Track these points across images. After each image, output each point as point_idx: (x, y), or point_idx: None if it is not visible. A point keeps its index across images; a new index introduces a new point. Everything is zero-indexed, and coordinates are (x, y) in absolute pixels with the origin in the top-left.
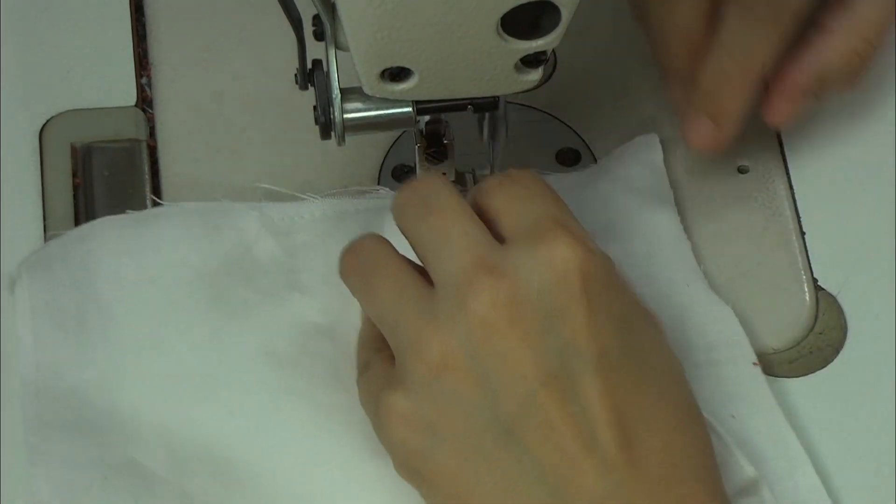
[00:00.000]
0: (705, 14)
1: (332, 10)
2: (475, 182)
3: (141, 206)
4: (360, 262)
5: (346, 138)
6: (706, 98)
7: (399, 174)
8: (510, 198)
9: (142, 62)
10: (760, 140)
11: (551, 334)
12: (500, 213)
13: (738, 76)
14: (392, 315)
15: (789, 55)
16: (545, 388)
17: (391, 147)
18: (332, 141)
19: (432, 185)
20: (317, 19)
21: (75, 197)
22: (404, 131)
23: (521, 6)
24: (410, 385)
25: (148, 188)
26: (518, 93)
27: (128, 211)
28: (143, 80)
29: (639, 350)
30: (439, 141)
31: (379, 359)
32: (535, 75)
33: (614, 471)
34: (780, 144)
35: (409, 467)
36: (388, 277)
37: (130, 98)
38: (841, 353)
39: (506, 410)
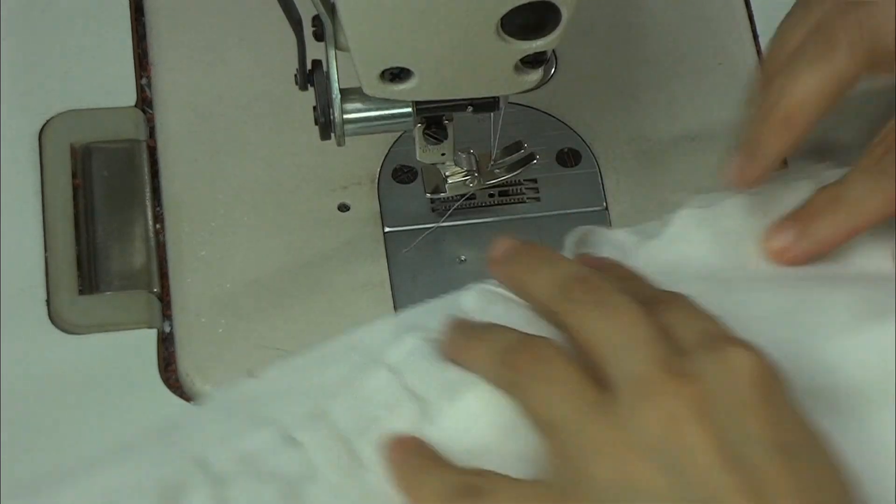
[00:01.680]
0: (831, 92)
1: (331, 10)
2: (476, 163)
3: (141, 207)
4: (533, 360)
5: (346, 138)
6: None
7: (399, 175)
8: (677, 314)
9: (142, 62)
10: None
11: (737, 428)
12: (668, 326)
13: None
14: (567, 418)
15: None
16: (731, 475)
17: (391, 147)
18: (332, 141)
19: (603, 282)
20: (317, 19)
21: (75, 198)
22: (404, 131)
23: (521, 6)
24: (594, 493)
25: (148, 189)
26: (518, 93)
27: None
28: (143, 81)
29: (819, 445)
30: (439, 121)
31: (504, 479)
32: (535, 75)
33: None
34: None
35: None
36: (562, 377)
37: (130, 98)
38: None
39: (699, 497)
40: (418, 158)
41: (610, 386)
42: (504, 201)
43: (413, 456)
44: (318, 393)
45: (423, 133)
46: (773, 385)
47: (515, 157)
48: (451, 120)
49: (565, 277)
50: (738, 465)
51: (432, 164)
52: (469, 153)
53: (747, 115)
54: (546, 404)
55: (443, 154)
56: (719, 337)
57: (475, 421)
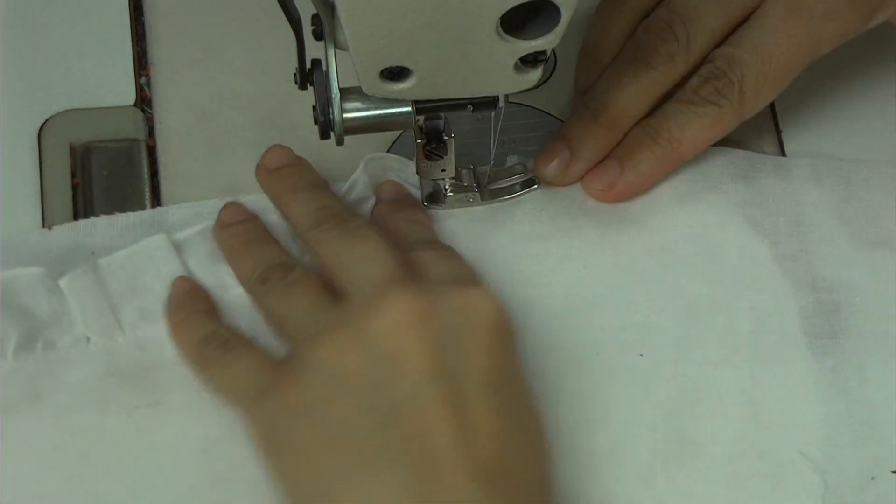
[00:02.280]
0: (652, 97)
1: (331, 9)
2: (475, 178)
3: (140, 206)
4: (284, 276)
5: (346, 138)
6: (626, 146)
7: None
8: (435, 259)
9: (141, 62)
10: (764, 148)
11: (453, 346)
12: (423, 268)
13: (664, 141)
14: (298, 314)
15: None
16: (437, 384)
17: (391, 147)
18: (332, 141)
19: (344, 216)
20: (316, 19)
21: (74, 197)
22: (404, 131)
23: (521, 5)
24: (301, 364)
25: (147, 188)
26: (518, 92)
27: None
28: (143, 80)
29: (519, 405)
30: (439, 137)
31: (245, 341)
32: (535, 75)
33: (485, 477)
34: (781, 145)
35: (272, 446)
36: (301, 288)
37: (129, 98)
38: None
39: (393, 396)
40: (418, 174)
41: (345, 296)
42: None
43: (190, 300)
44: (101, 252)
45: (424, 149)
46: (504, 335)
47: (516, 179)
48: (451, 136)
49: (321, 208)
50: (447, 380)
51: (433, 179)
52: (469, 168)
53: (574, 108)
54: (283, 306)
55: (443, 170)
56: (468, 281)
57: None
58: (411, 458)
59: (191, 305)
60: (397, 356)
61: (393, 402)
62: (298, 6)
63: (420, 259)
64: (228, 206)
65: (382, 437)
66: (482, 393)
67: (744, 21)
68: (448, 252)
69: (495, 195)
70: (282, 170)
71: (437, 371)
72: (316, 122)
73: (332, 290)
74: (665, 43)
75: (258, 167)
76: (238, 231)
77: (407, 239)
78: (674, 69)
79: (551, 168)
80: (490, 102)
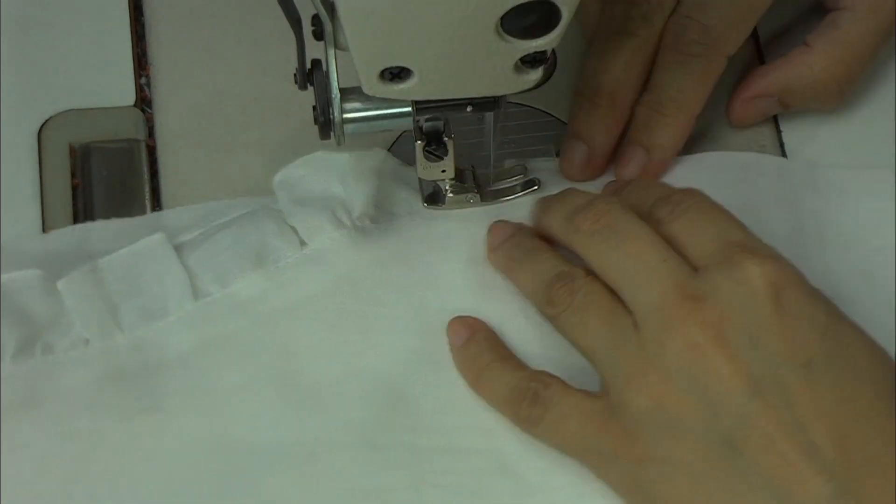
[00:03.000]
0: (641, 64)
1: (331, 9)
2: (475, 180)
3: (140, 206)
4: (570, 293)
5: (346, 138)
6: (639, 129)
7: None
8: (689, 223)
9: (141, 62)
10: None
11: (757, 349)
12: (681, 240)
13: (671, 109)
14: (604, 346)
15: (767, 65)
16: (757, 398)
17: (391, 147)
18: (332, 141)
19: (608, 207)
20: (316, 19)
21: (74, 197)
22: (404, 131)
23: (521, 6)
24: (631, 416)
25: (147, 188)
26: (518, 93)
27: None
28: (142, 80)
29: (845, 354)
30: (439, 138)
31: (556, 390)
32: (535, 75)
33: (836, 475)
34: (781, 145)
35: (632, 489)
36: (595, 308)
37: (129, 98)
38: None
39: (725, 426)
40: (419, 175)
41: (633, 313)
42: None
43: (484, 352)
44: (99, 255)
45: (424, 150)
46: (789, 293)
47: (516, 180)
48: (451, 137)
49: (571, 209)
50: (762, 388)
51: (433, 180)
52: (469, 169)
53: (572, 104)
54: (582, 333)
55: (443, 171)
56: (731, 246)
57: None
58: (767, 477)
59: (482, 356)
60: (711, 380)
61: (728, 431)
62: (298, 6)
63: (676, 233)
64: (493, 228)
65: (734, 468)
66: (803, 376)
67: None
68: (692, 200)
69: (496, 196)
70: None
71: (751, 380)
72: (316, 122)
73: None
74: (636, 6)
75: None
76: (509, 248)
77: (644, 204)
78: (652, 29)
79: (575, 167)
80: (490, 102)
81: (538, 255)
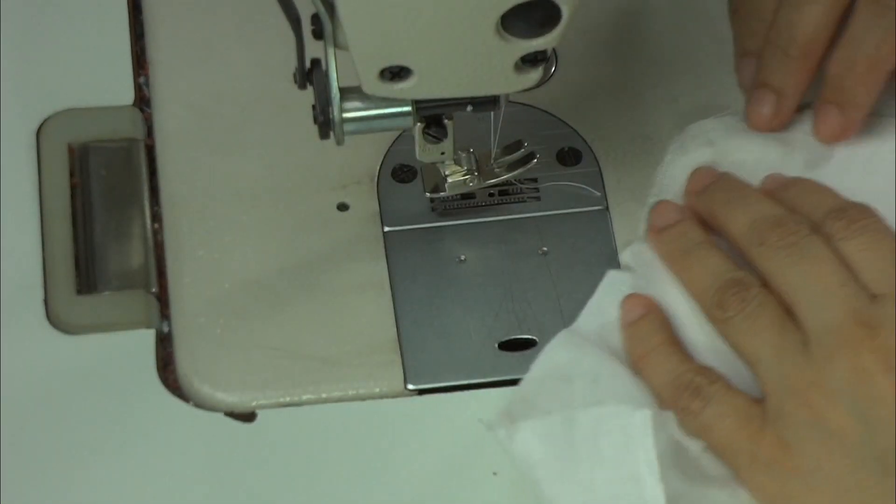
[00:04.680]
0: (836, 15)
1: (331, 8)
2: (476, 161)
3: (139, 206)
4: (743, 301)
5: (346, 137)
6: (834, 87)
7: (399, 174)
8: (865, 246)
9: (139, 61)
10: None
11: None
12: (856, 261)
13: (865, 67)
14: (770, 357)
15: None
16: None
17: (391, 146)
18: (332, 140)
19: (797, 228)
20: (316, 18)
21: (73, 197)
22: (404, 130)
23: (522, 5)
24: (790, 427)
25: (146, 188)
26: (518, 91)
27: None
28: (141, 80)
29: None
30: (438, 120)
31: (719, 387)
32: (535, 75)
33: None
34: None
35: (773, 495)
36: (767, 319)
37: (128, 97)
38: None
39: (881, 446)
40: (418, 157)
41: (805, 330)
42: (504, 201)
43: (654, 333)
44: None
45: (423, 132)
46: None
47: (516, 156)
48: (450, 119)
49: (759, 219)
50: None
51: (432, 163)
52: (469, 152)
53: (763, 52)
54: (749, 340)
55: (442, 153)
56: None
57: None
58: None
59: (652, 337)
60: (875, 405)
61: (885, 451)
62: (298, 6)
63: (850, 252)
64: (659, 207)
65: (882, 487)
66: None
67: None
68: (866, 220)
69: (496, 175)
70: (709, 187)
71: None
72: (316, 122)
73: (789, 312)
74: None
75: (687, 192)
76: (676, 236)
77: (814, 214)
78: None
79: (764, 116)
80: (490, 102)
81: (709, 252)
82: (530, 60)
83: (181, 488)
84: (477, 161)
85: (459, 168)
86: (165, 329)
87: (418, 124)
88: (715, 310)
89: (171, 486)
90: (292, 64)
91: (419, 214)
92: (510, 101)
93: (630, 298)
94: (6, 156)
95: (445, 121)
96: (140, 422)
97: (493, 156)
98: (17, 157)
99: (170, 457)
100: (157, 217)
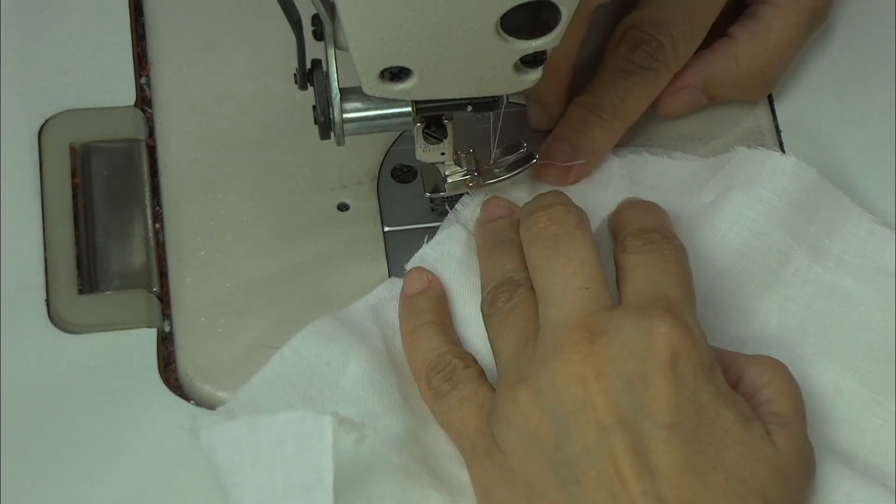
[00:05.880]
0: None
1: (331, 9)
2: (475, 161)
3: (140, 206)
4: (507, 301)
5: (346, 138)
6: (572, 129)
7: (399, 174)
8: (644, 264)
9: (141, 62)
10: None
11: (631, 394)
12: (627, 274)
13: (607, 117)
14: (507, 353)
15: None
16: (611, 438)
17: (391, 146)
18: (332, 140)
19: (565, 216)
20: (316, 19)
21: (74, 197)
22: (404, 131)
23: (521, 5)
24: (499, 421)
25: (147, 188)
26: (518, 92)
27: None
28: (143, 80)
29: (714, 438)
30: (438, 120)
31: (471, 374)
32: (535, 75)
33: None
34: (781, 145)
35: (482, 487)
36: (516, 317)
37: (129, 98)
38: None
39: (572, 451)
40: (418, 158)
41: (538, 327)
42: None
43: (427, 310)
44: None
45: (423, 132)
46: (686, 364)
47: (515, 156)
48: (450, 119)
49: (540, 205)
50: (620, 431)
51: (432, 163)
52: (469, 152)
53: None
54: (497, 336)
55: (442, 153)
56: (659, 300)
57: None
58: None
59: (425, 314)
60: (575, 410)
61: (573, 457)
62: (298, 6)
63: (628, 266)
64: (492, 201)
65: (567, 494)
66: (665, 435)
67: None
68: (661, 252)
69: (496, 175)
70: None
71: (614, 421)
72: (316, 122)
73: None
74: None
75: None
76: (493, 229)
77: (627, 228)
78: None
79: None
80: (490, 103)
81: (506, 250)
82: (530, 61)
83: (182, 487)
84: (477, 161)
85: (459, 168)
86: (167, 328)
87: (418, 125)
88: (485, 305)
89: (172, 484)
90: (293, 64)
91: (419, 214)
92: (509, 102)
93: (414, 272)
94: (8, 156)
95: (445, 121)
96: (141, 421)
97: (492, 156)
98: (18, 158)
99: (171, 456)
100: (158, 217)
